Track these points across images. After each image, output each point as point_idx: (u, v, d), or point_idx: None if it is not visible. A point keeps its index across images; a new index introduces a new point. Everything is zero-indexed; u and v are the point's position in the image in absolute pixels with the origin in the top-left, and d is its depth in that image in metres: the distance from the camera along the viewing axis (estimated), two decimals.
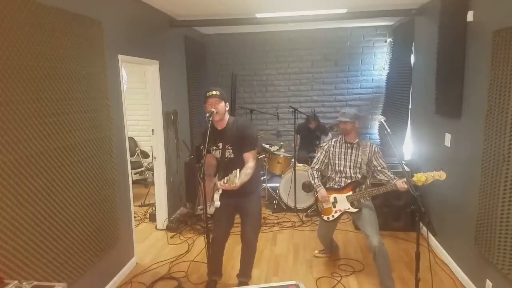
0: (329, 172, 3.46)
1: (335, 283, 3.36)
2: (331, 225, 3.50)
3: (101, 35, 3.07)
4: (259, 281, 3.42)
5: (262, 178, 5.83)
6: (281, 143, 5.68)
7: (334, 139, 3.46)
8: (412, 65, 4.82)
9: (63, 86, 2.59)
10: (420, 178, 2.72)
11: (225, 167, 2.87)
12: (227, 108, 2.90)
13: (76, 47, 2.73)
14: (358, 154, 3.29)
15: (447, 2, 3.55)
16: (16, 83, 2.16)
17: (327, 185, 3.43)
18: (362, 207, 3.23)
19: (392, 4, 4.33)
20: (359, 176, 3.29)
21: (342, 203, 3.27)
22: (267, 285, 2.09)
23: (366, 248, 4.01)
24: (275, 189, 5.50)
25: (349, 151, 3.32)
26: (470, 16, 3.10)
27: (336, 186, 3.35)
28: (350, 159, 3.31)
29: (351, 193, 3.23)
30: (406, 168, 4.31)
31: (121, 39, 3.52)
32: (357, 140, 3.32)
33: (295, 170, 5.03)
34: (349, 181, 3.30)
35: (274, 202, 5.34)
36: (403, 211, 4.17)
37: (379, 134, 6.10)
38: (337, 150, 3.38)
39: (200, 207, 3.07)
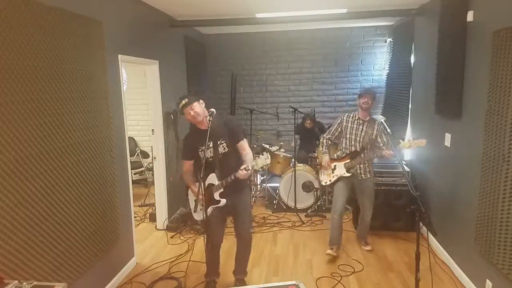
0: (340, 143, 3.89)
1: (335, 283, 3.36)
2: (342, 192, 3.74)
3: (101, 35, 3.07)
4: (259, 281, 3.42)
5: (262, 178, 5.85)
6: (281, 143, 5.68)
7: (346, 114, 3.78)
8: (412, 65, 4.82)
9: (63, 86, 2.59)
10: (404, 145, 3.22)
11: (220, 163, 2.95)
12: (203, 105, 2.94)
13: (76, 47, 2.73)
14: (367, 131, 3.64)
15: (447, 2, 3.55)
16: (16, 83, 2.16)
17: (331, 156, 3.90)
18: (364, 183, 3.75)
19: (392, 4, 4.33)
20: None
21: (340, 169, 3.74)
22: (267, 285, 2.09)
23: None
24: (275, 189, 5.49)
25: (360, 127, 3.68)
26: (470, 16, 3.10)
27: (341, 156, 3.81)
28: (360, 135, 3.67)
29: (348, 161, 3.70)
30: (406, 168, 4.31)
31: (121, 39, 3.52)
32: (368, 117, 3.66)
33: (295, 170, 5.03)
34: None
35: (274, 202, 5.33)
36: (403, 211, 4.17)
37: None
38: (349, 125, 3.72)
39: (197, 211, 3.07)
